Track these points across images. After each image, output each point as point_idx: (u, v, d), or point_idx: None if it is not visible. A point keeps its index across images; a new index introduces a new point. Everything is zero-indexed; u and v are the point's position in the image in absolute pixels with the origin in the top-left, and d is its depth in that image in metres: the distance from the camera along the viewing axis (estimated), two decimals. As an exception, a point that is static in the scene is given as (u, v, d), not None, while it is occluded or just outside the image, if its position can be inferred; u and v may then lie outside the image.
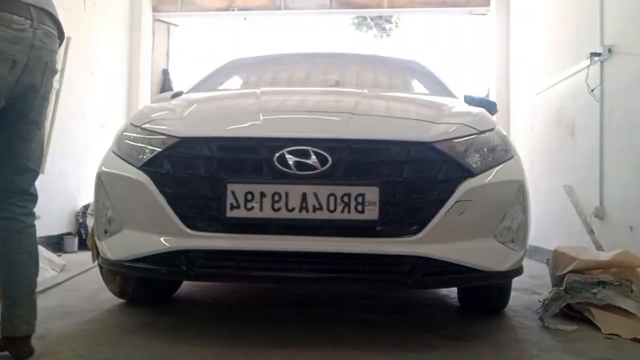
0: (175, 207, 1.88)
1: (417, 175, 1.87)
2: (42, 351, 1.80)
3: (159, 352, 1.84)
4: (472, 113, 2.27)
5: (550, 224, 4.69)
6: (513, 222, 2.01)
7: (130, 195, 2.00)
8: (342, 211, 1.81)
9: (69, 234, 5.05)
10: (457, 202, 1.85)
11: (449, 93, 3.03)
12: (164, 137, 1.98)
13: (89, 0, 5.48)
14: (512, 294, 2.52)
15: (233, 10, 6.72)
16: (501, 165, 2.02)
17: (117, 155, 2.11)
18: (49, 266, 3.58)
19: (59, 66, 4.77)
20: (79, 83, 5.29)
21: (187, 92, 2.89)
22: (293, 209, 1.82)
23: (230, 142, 1.95)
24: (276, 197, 1.82)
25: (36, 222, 1.79)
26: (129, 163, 2.02)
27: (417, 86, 3.29)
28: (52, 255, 3.81)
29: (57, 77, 4.82)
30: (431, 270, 1.88)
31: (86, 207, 5.26)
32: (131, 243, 2.00)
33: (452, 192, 1.86)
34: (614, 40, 3.68)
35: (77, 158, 5.23)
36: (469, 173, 1.91)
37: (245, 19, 6.87)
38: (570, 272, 2.47)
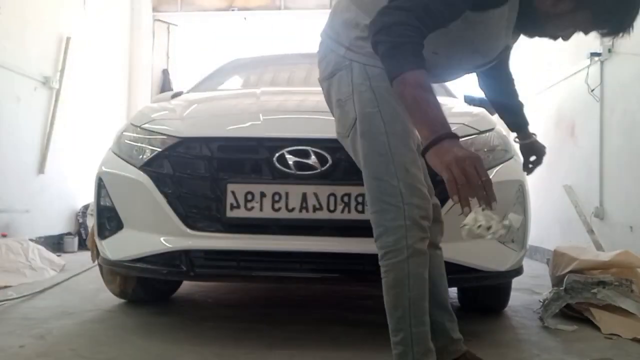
0: (175, 207, 1.88)
1: (417, 175, 1.86)
2: (42, 351, 1.80)
3: (159, 352, 1.84)
4: (472, 113, 2.27)
5: (550, 224, 4.69)
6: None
7: (131, 195, 2.00)
8: (342, 211, 1.81)
9: (69, 234, 5.04)
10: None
11: (448, 93, 3.02)
12: (164, 137, 1.98)
13: (89, 0, 5.48)
14: (512, 294, 2.52)
15: (233, 10, 6.72)
16: (501, 165, 2.03)
17: (117, 156, 2.10)
18: (49, 266, 3.58)
19: (59, 66, 4.83)
20: (79, 83, 5.29)
21: (187, 92, 2.89)
22: (293, 209, 1.82)
23: (230, 142, 1.94)
24: (276, 197, 1.82)
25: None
26: (129, 163, 2.02)
27: (417, 86, 3.28)
28: (52, 255, 3.80)
29: (57, 77, 4.83)
30: (431, 270, 1.88)
31: (86, 207, 5.25)
32: (131, 243, 2.01)
33: (452, 192, 1.85)
34: (614, 40, 3.67)
35: (77, 158, 5.22)
36: (469, 173, 1.90)
37: (245, 19, 6.87)
38: (570, 272, 2.47)
